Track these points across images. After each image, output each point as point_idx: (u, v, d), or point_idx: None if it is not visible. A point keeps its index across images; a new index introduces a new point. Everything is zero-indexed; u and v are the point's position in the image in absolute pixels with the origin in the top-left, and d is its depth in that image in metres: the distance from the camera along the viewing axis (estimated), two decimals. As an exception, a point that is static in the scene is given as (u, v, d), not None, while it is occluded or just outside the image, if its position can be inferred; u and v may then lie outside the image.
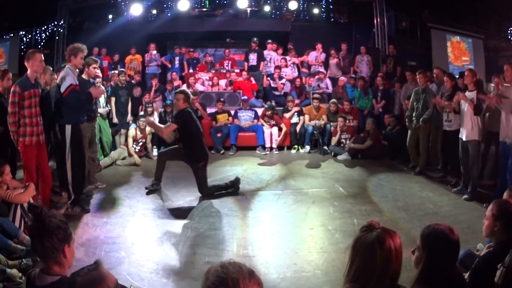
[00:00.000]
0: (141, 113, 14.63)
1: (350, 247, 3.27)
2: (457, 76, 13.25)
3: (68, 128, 8.86)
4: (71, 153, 8.91)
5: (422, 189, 11.01)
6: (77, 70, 9.17)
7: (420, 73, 12.47)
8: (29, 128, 8.30)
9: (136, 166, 13.15)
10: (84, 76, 9.90)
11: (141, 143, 13.86)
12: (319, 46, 19.21)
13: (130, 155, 13.47)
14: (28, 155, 8.43)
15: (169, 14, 22.29)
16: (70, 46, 9.09)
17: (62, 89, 8.72)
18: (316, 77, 17.99)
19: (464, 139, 10.23)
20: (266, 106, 15.96)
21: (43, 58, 8.59)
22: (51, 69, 10.90)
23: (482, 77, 13.71)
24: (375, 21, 20.81)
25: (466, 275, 4.34)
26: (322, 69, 18.61)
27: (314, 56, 19.25)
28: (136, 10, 20.28)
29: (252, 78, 18.24)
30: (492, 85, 12.46)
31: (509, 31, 20.54)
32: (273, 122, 15.54)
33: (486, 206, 9.01)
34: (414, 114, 12.45)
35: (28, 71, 8.43)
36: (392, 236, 3.18)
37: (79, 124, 9.13)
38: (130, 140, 13.57)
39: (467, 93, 10.21)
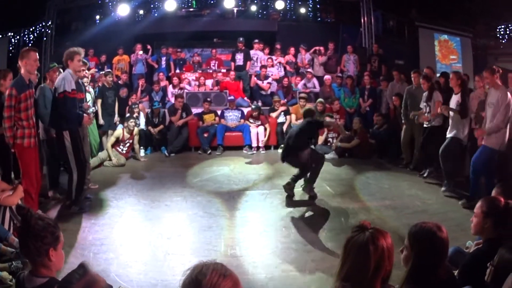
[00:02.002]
0: (128, 114, 14.57)
1: (342, 247, 3.28)
2: (438, 75, 13.33)
3: (66, 134, 8.87)
4: (74, 157, 8.94)
5: (410, 187, 11.06)
6: (77, 73, 9.08)
7: (415, 73, 12.72)
8: (27, 130, 8.19)
9: (123, 167, 13.11)
10: None
11: (128, 144, 13.79)
12: (302, 49, 19.28)
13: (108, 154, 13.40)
14: (28, 158, 8.30)
15: (156, 14, 22.19)
16: (66, 51, 9.03)
17: (56, 93, 8.74)
18: (304, 79, 18.03)
19: (447, 135, 10.36)
20: (252, 106, 15.95)
21: (37, 57, 8.39)
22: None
23: (470, 76, 13.82)
24: (362, 20, 20.86)
25: (456, 273, 4.34)
26: (309, 69, 18.63)
27: (300, 58, 19.28)
28: (123, 10, 20.18)
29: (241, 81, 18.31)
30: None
31: (497, 30, 20.61)
32: (258, 122, 15.56)
33: (462, 203, 9.27)
34: (407, 112, 12.55)
35: (22, 71, 8.20)
36: (384, 236, 3.19)
37: (76, 130, 9.09)
38: (112, 139, 13.49)
39: (453, 96, 10.36)
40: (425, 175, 11.73)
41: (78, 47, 9.16)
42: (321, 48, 19.14)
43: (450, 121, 10.41)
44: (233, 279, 2.37)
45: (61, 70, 9.89)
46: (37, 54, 8.40)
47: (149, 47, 19.68)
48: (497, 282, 3.89)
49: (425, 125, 11.61)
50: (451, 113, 10.30)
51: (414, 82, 12.64)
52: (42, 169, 9.54)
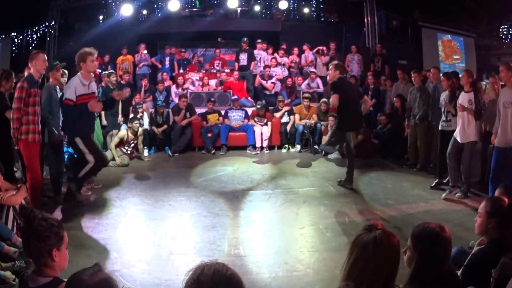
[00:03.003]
0: (131, 114, 14.57)
1: (350, 244, 3.30)
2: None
3: (78, 140, 9.07)
4: (93, 155, 9.13)
5: (414, 188, 11.03)
6: (92, 74, 9.42)
7: (415, 72, 12.64)
8: (32, 126, 8.37)
9: (127, 167, 13.12)
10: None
11: (132, 145, 13.80)
12: (305, 47, 19.33)
13: (112, 154, 13.41)
14: (32, 153, 8.44)
15: (159, 15, 22.23)
16: (78, 53, 9.17)
17: (64, 97, 9.02)
18: (308, 79, 18.04)
19: (460, 140, 10.17)
20: (258, 106, 15.93)
21: (46, 57, 8.71)
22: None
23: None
24: (365, 20, 20.85)
25: (459, 273, 4.34)
26: (313, 69, 18.64)
27: (303, 56, 19.28)
28: (126, 10, 20.21)
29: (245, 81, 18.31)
30: (484, 83, 12.51)
31: (500, 30, 20.62)
32: (264, 120, 15.58)
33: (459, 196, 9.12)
34: (411, 113, 12.56)
35: (32, 70, 8.52)
36: (390, 239, 3.18)
37: (86, 134, 9.30)
38: (116, 139, 13.54)
39: (463, 94, 10.18)
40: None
41: (90, 47, 9.29)
42: (324, 48, 19.15)
43: (462, 123, 10.04)
44: (235, 278, 2.38)
45: (64, 71, 10.04)
46: (45, 55, 8.75)
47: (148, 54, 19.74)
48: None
49: (443, 129, 11.13)
50: (459, 114, 10.18)
51: (415, 82, 12.64)
52: (43, 169, 9.61)
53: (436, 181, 11.25)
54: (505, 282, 3.85)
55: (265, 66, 18.19)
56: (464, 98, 10.04)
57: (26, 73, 8.93)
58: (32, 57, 8.49)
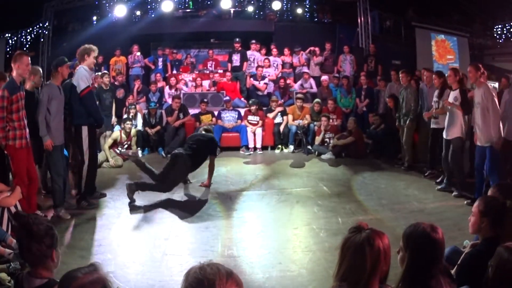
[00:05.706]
0: (125, 115, 14.57)
1: (339, 247, 3.29)
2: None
3: (84, 129, 9.33)
4: (89, 152, 9.44)
5: (407, 187, 11.06)
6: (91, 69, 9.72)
7: (403, 72, 12.73)
8: (18, 132, 8.20)
9: (120, 168, 13.10)
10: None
11: (126, 146, 13.79)
12: (299, 50, 19.33)
13: (105, 155, 13.45)
14: (18, 159, 8.30)
15: (153, 15, 22.19)
16: (82, 48, 9.47)
17: (79, 90, 9.20)
18: (301, 79, 18.05)
19: (445, 137, 10.30)
20: (250, 101, 15.95)
21: (30, 61, 8.48)
22: (41, 70, 10.59)
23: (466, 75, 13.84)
24: (359, 20, 20.84)
25: (452, 271, 4.35)
26: (306, 69, 18.64)
27: (297, 59, 19.25)
28: (120, 11, 20.15)
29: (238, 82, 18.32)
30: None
31: (494, 29, 20.64)
32: (257, 118, 15.58)
33: (468, 203, 9.17)
34: (400, 113, 12.62)
35: (14, 73, 8.29)
36: (380, 237, 3.20)
37: (94, 126, 9.68)
38: (109, 141, 13.54)
39: (451, 93, 10.29)
40: (439, 183, 11.25)
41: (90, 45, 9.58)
42: (316, 48, 19.14)
43: (449, 120, 10.32)
44: (236, 278, 2.41)
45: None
46: (29, 58, 8.48)
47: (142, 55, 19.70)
48: (496, 282, 3.89)
49: (432, 126, 11.50)
50: (450, 112, 10.27)
51: (402, 82, 12.76)
52: (43, 169, 9.62)
53: (429, 171, 11.50)
54: (501, 272, 3.85)
55: (257, 67, 18.17)
56: (451, 96, 10.24)
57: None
58: (15, 59, 8.30)
